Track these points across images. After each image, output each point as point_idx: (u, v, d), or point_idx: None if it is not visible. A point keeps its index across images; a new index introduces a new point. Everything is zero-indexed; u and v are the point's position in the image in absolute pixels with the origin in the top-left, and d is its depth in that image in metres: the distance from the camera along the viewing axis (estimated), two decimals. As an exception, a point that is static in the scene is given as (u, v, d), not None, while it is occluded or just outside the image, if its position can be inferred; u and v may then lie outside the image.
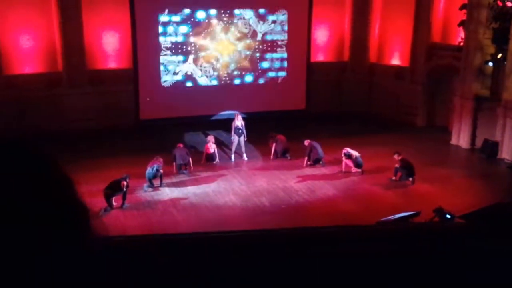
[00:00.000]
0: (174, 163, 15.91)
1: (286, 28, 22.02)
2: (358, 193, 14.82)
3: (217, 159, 17.07)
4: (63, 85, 19.74)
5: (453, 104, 19.96)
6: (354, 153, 16.02)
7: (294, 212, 13.50)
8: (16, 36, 19.06)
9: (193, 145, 18.28)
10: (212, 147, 17.01)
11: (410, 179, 15.27)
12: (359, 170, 16.04)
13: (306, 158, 16.69)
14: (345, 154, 16.04)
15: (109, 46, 20.47)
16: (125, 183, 13.44)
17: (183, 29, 20.68)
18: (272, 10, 21.68)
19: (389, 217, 11.69)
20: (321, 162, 16.69)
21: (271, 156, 17.42)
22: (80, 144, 17.98)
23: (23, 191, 1.09)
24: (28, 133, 17.15)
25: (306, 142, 16.74)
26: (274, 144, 17.36)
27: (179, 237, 3.57)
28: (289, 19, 21.92)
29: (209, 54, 21.23)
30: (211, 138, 17.27)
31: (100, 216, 12.97)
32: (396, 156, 15.50)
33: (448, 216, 10.93)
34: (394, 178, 15.50)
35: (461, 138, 19.15)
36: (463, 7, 19.16)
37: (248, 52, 21.83)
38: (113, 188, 13.45)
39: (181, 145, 16.30)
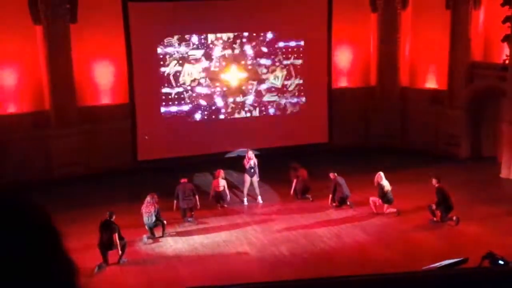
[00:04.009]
0: (175, 201, 15.91)
1: (302, 51, 22.19)
2: (393, 238, 14.64)
3: (228, 198, 16.98)
4: (51, 125, 19.95)
5: (501, 131, 19.75)
6: (386, 184, 15.82)
7: (318, 262, 13.36)
8: (-4, 71, 19.44)
9: (201, 188, 18.17)
10: (221, 184, 16.87)
11: (454, 218, 15.01)
12: (394, 210, 15.86)
13: (330, 195, 16.56)
14: (378, 185, 15.84)
15: (102, 79, 20.74)
16: (116, 235, 13.30)
17: (189, 56, 20.94)
18: (286, 33, 21.89)
19: (431, 266, 11.45)
20: (348, 203, 16.54)
21: (291, 192, 17.28)
22: (70, 191, 18.06)
23: (11, 246, 1.20)
24: (11, 180, 17.29)
25: (332, 175, 16.63)
26: (295, 180, 17.23)
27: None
28: (306, 41, 22.09)
29: (217, 83, 21.41)
30: (220, 173, 16.98)
31: (94, 274, 12.91)
32: (434, 182, 15.36)
33: (501, 262, 10.65)
34: (434, 219, 15.28)
35: (513, 170, 18.89)
36: (506, 20, 19.17)
37: (261, 80, 21.96)
38: (106, 243, 13.35)
39: (185, 180, 16.20)
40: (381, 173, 16.06)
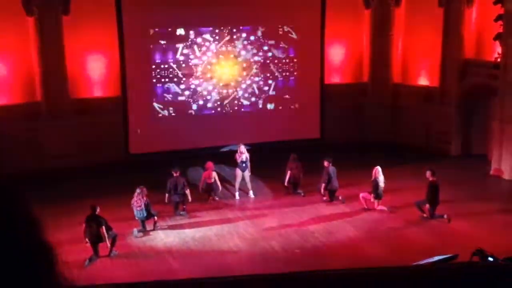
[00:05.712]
0: (167, 194, 15.87)
1: (295, 47, 22.20)
2: (385, 234, 14.69)
3: (219, 189, 16.99)
4: (42, 117, 19.89)
5: (492, 129, 19.88)
6: (381, 180, 15.90)
7: (310, 258, 13.37)
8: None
9: (193, 183, 18.17)
10: (212, 176, 16.84)
11: (445, 216, 15.12)
12: (385, 208, 15.95)
13: (323, 184, 16.58)
14: (374, 179, 15.91)
15: (95, 71, 20.69)
16: (103, 228, 13.28)
17: (180, 49, 20.90)
18: (278, 28, 21.90)
19: (422, 262, 11.54)
20: (340, 198, 16.60)
21: (285, 183, 17.33)
22: (62, 183, 18.02)
23: None
24: (1, 172, 17.18)
25: (326, 163, 16.62)
26: (288, 172, 17.28)
27: (173, 283, 3.49)
28: (299, 37, 22.11)
29: (208, 77, 21.40)
30: (210, 165, 16.97)
31: (85, 266, 12.91)
32: (428, 174, 15.43)
33: (490, 259, 10.75)
34: (424, 215, 15.37)
35: (503, 167, 19.00)
36: (498, 18, 19.26)
37: (253, 75, 21.96)
38: (96, 237, 13.35)
39: (178, 173, 16.08)
40: (379, 168, 16.11)
